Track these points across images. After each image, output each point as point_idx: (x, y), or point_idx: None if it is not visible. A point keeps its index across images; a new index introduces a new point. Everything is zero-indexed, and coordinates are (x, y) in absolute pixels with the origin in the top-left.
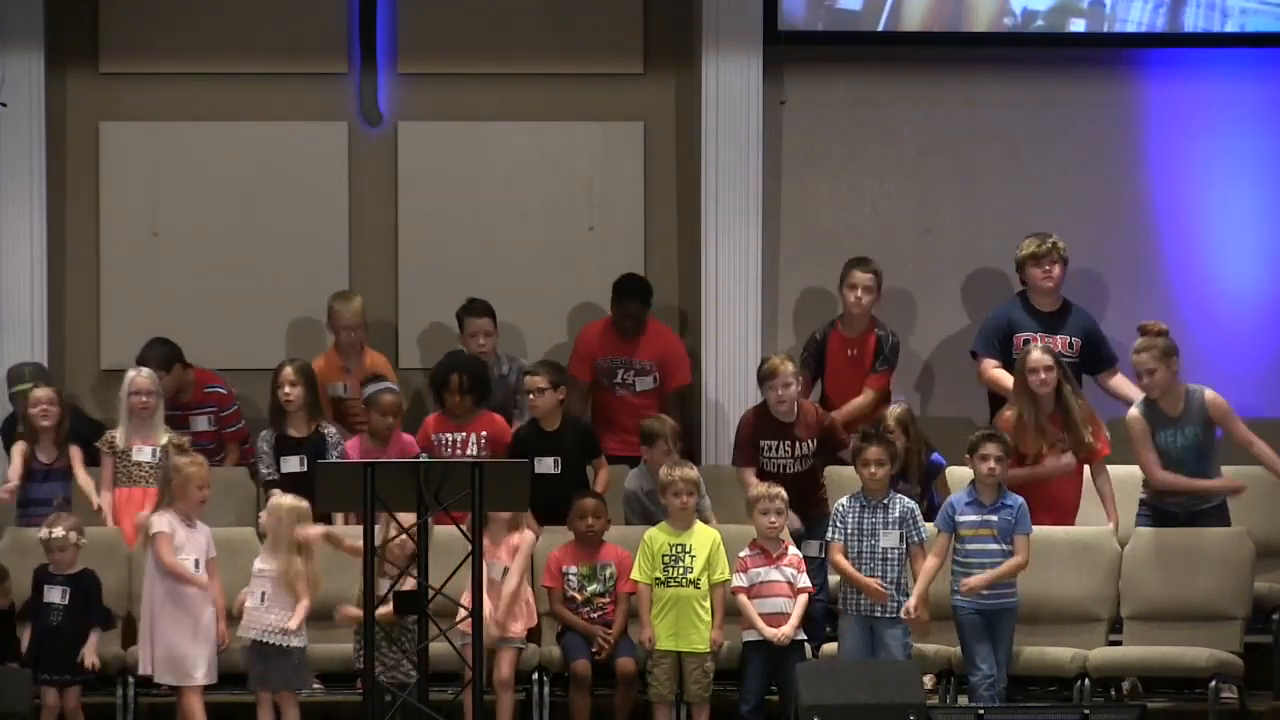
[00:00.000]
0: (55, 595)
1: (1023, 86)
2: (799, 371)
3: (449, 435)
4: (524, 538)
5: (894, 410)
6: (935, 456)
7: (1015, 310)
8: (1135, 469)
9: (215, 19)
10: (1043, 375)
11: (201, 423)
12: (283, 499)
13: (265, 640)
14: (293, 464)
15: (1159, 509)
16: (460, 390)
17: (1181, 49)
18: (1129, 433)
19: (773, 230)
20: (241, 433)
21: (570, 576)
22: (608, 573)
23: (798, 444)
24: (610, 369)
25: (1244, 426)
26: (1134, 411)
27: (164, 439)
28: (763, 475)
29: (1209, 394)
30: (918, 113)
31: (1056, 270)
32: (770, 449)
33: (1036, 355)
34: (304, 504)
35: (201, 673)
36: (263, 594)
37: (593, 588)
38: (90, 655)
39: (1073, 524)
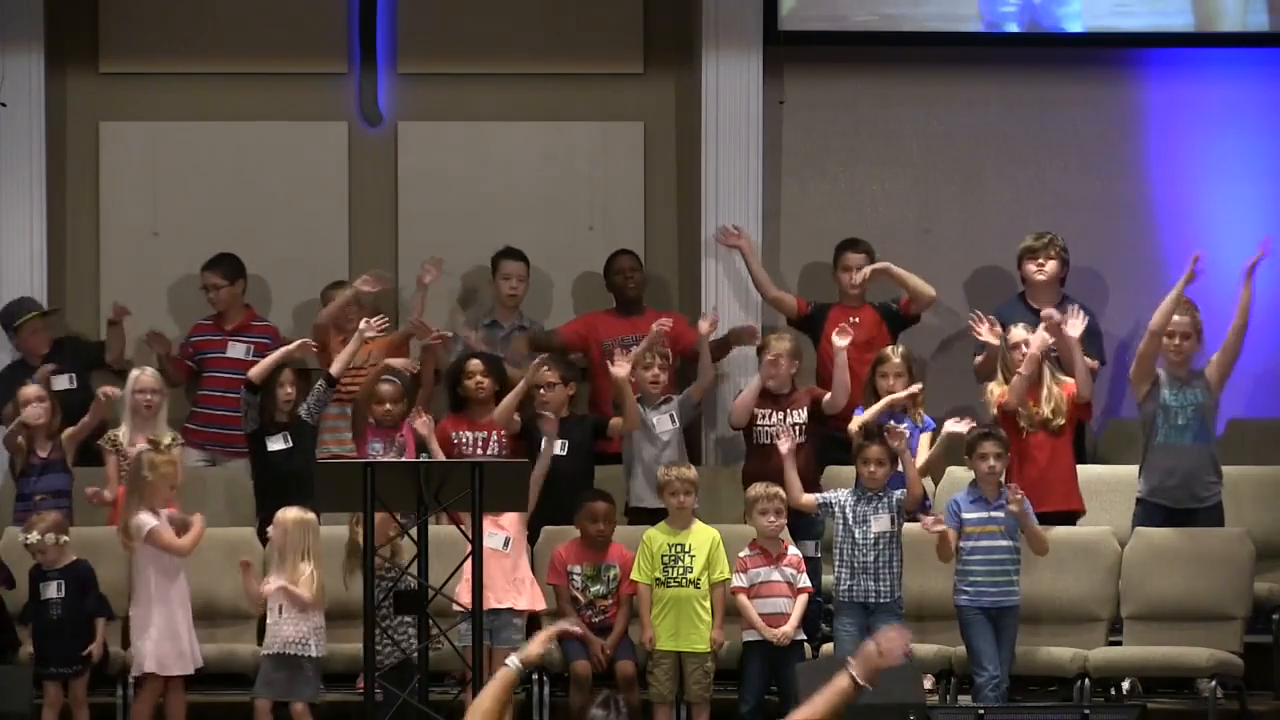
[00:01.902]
0: (51, 590)
1: (1023, 86)
2: (796, 347)
3: (468, 434)
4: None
5: (899, 349)
6: (927, 420)
7: (1009, 310)
8: (1132, 469)
9: (215, 19)
10: (1023, 350)
11: (239, 350)
12: (287, 512)
13: (285, 653)
14: (277, 442)
15: (1155, 506)
16: (481, 373)
17: (1181, 49)
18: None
19: (773, 230)
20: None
21: (574, 576)
22: (611, 574)
23: (791, 411)
24: (622, 346)
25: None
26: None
27: (167, 438)
28: (755, 452)
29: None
30: (918, 113)
31: (1050, 265)
32: (763, 417)
33: (1015, 331)
34: (310, 516)
35: (180, 665)
36: (279, 608)
37: (596, 589)
38: (98, 647)
39: (1080, 507)
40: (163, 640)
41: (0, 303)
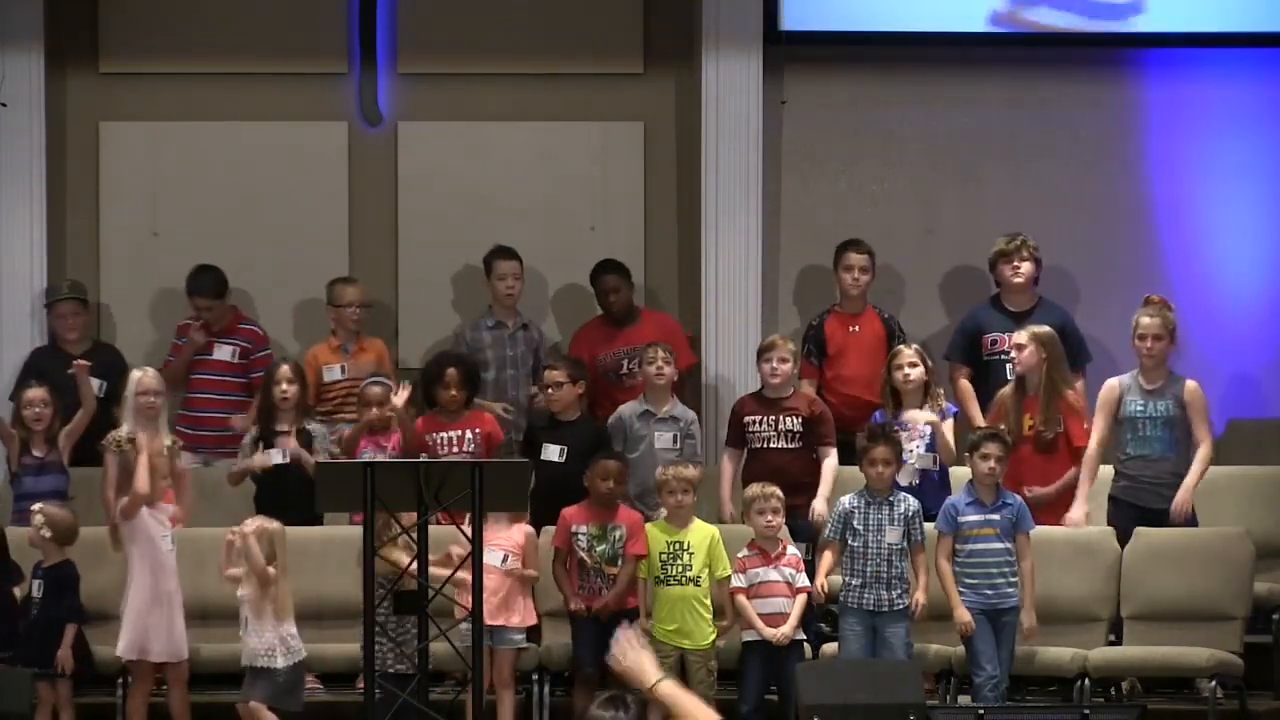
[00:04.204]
0: (33, 588)
1: (1023, 86)
2: (799, 353)
3: (443, 434)
4: (525, 532)
5: (913, 345)
6: (950, 405)
7: (984, 312)
8: (1109, 467)
9: (215, 19)
10: (1017, 354)
11: (225, 352)
12: (248, 522)
13: (254, 665)
14: (275, 456)
15: (1126, 504)
16: (456, 385)
17: (1181, 49)
18: (1100, 397)
19: (773, 230)
20: None
21: (580, 536)
22: (617, 534)
23: (784, 417)
24: (615, 362)
25: (1206, 427)
26: (1113, 380)
27: (169, 439)
28: (751, 456)
29: (1191, 382)
30: (918, 113)
31: (1025, 267)
32: (755, 424)
33: (1016, 334)
34: (274, 524)
35: (169, 651)
36: (245, 620)
37: (601, 549)
38: (64, 653)
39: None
40: (146, 629)
41: (0, 300)
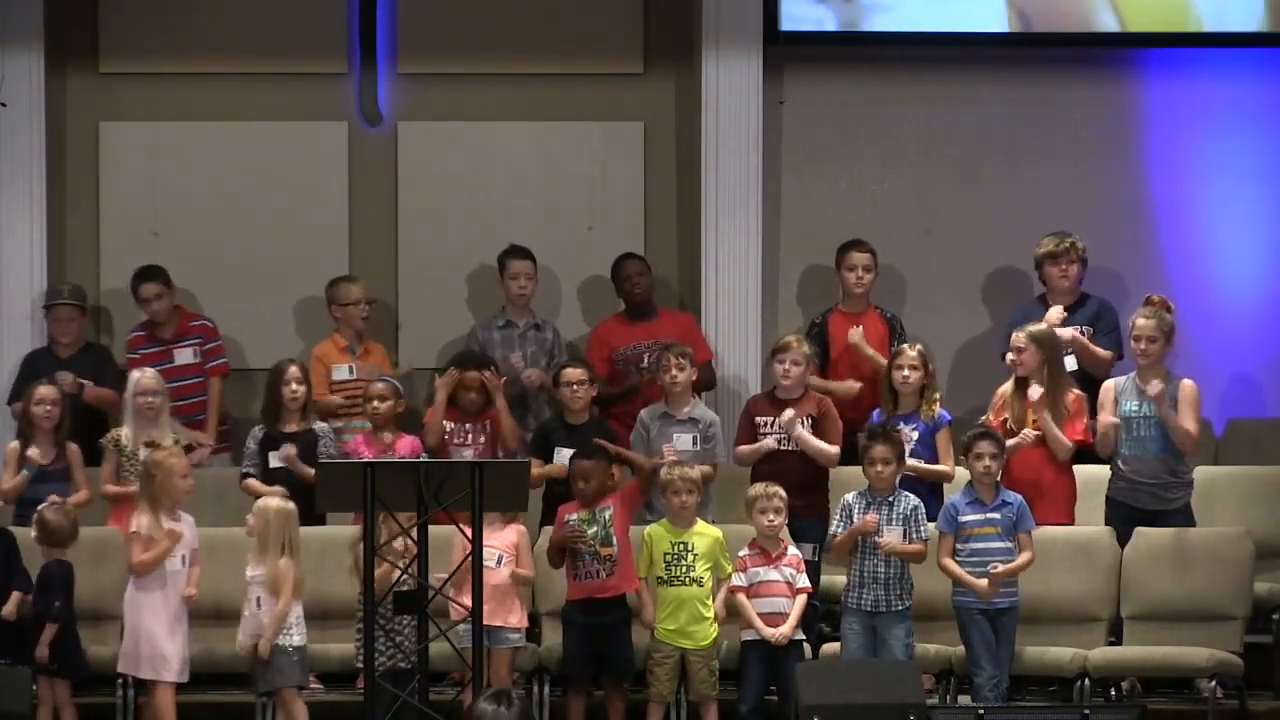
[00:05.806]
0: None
1: (1023, 86)
2: (812, 355)
3: (461, 426)
4: (519, 531)
5: (916, 346)
6: (943, 413)
7: (1033, 311)
8: (1106, 468)
9: (215, 19)
10: (1012, 356)
11: (187, 355)
12: (269, 501)
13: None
14: (279, 459)
15: (1122, 504)
16: (476, 388)
17: (1181, 49)
18: (1100, 397)
19: (773, 230)
20: (224, 369)
21: (571, 522)
22: (607, 515)
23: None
24: (636, 355)
25: (1193, 420)
26: (1111, 380)
27: (170, 438)
28: (761, 459)
29: (1187, 380)
30: (918, 113)
31: (1074, 270)
32: (767, 425)
33: (1014, 335)
34: (291, 505)
35: (174, 670)
36: (257, 599)
37: (592, 530)
38: (41, 650)
39: (1069, 521)
40: (141, 643)
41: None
